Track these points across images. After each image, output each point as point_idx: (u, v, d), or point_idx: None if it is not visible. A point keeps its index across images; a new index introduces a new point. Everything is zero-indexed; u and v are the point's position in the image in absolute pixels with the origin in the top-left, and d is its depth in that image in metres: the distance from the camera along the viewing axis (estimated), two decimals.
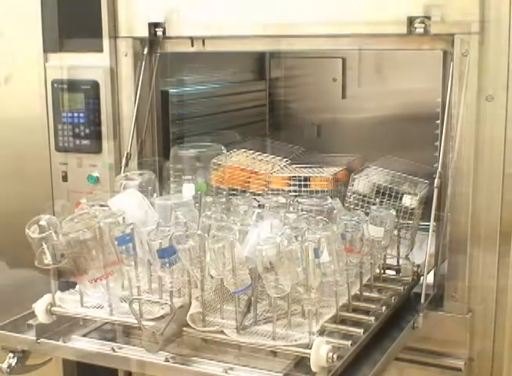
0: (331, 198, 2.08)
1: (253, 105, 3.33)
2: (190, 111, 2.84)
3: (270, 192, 2.25)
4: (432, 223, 2.01)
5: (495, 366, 2.10)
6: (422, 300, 1.94)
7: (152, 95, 2.48)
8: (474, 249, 2.05)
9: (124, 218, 1.87)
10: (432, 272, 2.11)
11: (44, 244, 1.81)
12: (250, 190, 2.29)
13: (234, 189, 2.31)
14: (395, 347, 1.82)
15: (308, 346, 1.61)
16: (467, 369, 2.11)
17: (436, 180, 2.02)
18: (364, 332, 1.72)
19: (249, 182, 2.32)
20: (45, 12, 2.46)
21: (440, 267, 2.11)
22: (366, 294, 1.95)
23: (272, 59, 3.40)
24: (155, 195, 2.15)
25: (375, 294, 1.97)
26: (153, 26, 2.32)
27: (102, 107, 2.43)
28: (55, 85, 2.49)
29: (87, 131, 2.46)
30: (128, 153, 2.38)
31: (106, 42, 2.38)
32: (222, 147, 2.35)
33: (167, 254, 1.72)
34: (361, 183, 2.20)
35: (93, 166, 2.48)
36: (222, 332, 1.73)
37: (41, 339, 1.87)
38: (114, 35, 2.38)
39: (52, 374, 2.59)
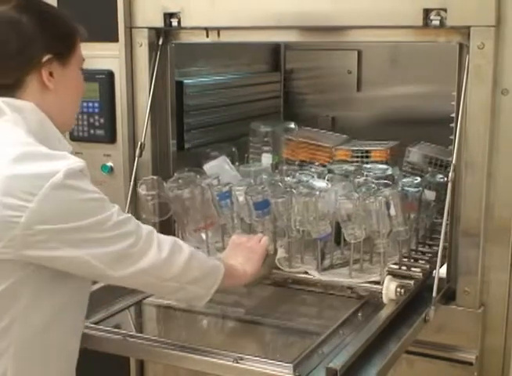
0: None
1: (267, 96, 3.33)
2: (205, 102, 2.84)
3: (334, 163, 2.58)
4: (446, 217, 2.01)
5: (507, 361, 2.09)
6: (434, 293, 1.93)
7: (166, 85, 2.48)
8: (487, 243, 2.04)
9: (219, 179, 2.30)
10: (445, 266, 2.12)
11: (151, 200, 2.18)
12: (317, 163, 2.63)
13: (302, 161, 2.67)
14: (406, 340, 1.81)
15: (380, 283, 1.94)
16: (478, 363, 2.10)
17: (450, 174, 2.01)
18: (422, 275, 2.04)
19: (316, 154, 2.69)
20: (61, 1, 2.47)
21: (453, 260, 2.10)
22: (420, 248, 2.25)
23: (287, 50, 3.39)
24: (236, 164, 2.60)
25: (427, 249, 2.26)
26: (169, 16, 2.32)
27: (116, 97, 2.44)
28: None
29: (101, 120, 2.47)
30: (141, 144, 2.38)
31: (121, 32, 2.38)
32: (293, 124, 2.83)
33: (262, 206, 2.08)
34: (415, 155, 2.54)
35: (107, 156, 2.49)
36: (306, 272, 2.08)
37: None
38: (130, 25, 2.38)
39: None
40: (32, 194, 1.38)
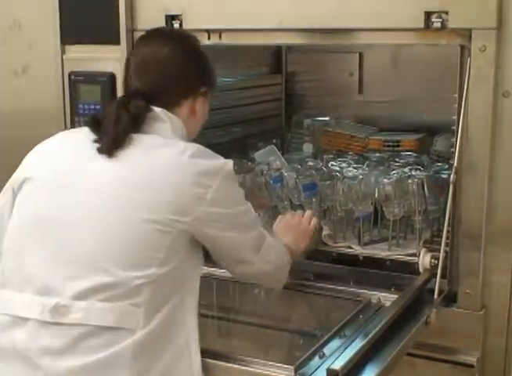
0: None
1: (269, 99, 3.32)
2: None
3: (368, 152, 2.84)
4: (447, 219, 2.01)
5: (508, 363, 2.09)
6: (435, 296, 1.94)
7: None
8: (488, 245, 2.04)
9: (269, 165, 2.57)
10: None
11: None
12: (350, 152, 2.84)
13: (339, 150, 2.91)
14: (407, 342, 1.81)
15: (416, 254, 2.16)
16: (480, 365, 2.10)
17: (452, 176, 2.02)
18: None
19: (350, 144, 2.97)
20: (63, 3, 2.48)
21: (454, 262, 2.10)
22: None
23: (288, 52, 3.39)
24: (280, 152, 2.86)
25: None
26: (170, 18, 2.32)
27: None
28: (72, 77, 2.50)
29: None
30: None
31: (123, 35, 2.38)
32: (328, 117, 3.16)
33: (310, 188, 2.35)
34: (441, 144, 2.73)
35: None
36: (349, 247, 2.31)
37: None
38: (131, 28, 2.39)
39: None
40: (215, 175, 1.66)
